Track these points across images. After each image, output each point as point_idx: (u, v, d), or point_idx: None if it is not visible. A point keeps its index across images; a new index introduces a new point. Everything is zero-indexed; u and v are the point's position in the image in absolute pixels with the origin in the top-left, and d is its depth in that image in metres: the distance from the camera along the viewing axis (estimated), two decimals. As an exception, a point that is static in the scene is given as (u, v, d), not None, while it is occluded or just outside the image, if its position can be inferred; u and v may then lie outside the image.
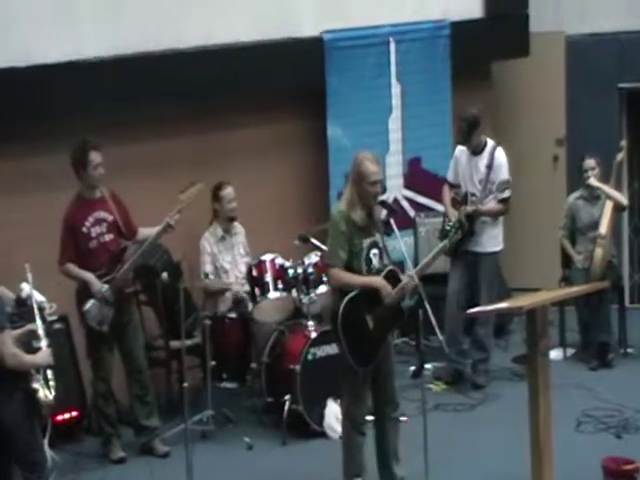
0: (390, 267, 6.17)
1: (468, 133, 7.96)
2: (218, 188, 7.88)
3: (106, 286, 6.91)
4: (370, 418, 6.28)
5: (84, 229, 6.97)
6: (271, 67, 8.21)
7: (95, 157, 6.91)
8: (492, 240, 8.02)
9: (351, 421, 6.18)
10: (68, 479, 6.73)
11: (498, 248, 8.09)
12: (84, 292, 6.94)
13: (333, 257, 6.08)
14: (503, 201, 7.98)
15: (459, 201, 8.05)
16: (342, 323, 6.00)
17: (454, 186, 8.15)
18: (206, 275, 7.71)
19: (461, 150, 8.12)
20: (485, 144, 8.00)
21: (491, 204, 7.97)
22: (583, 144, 9.28)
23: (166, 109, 7.86)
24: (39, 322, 5.82)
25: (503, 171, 7.95)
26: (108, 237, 7.02)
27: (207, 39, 8.00)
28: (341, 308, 6.00)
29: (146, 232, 7.10)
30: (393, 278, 6.13)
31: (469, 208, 7.92)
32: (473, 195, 7.97)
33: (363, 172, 6.04)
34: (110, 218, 7.03)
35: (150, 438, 7.16)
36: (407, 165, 9.07)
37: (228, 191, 7.86)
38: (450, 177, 8.19)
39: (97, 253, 6.99)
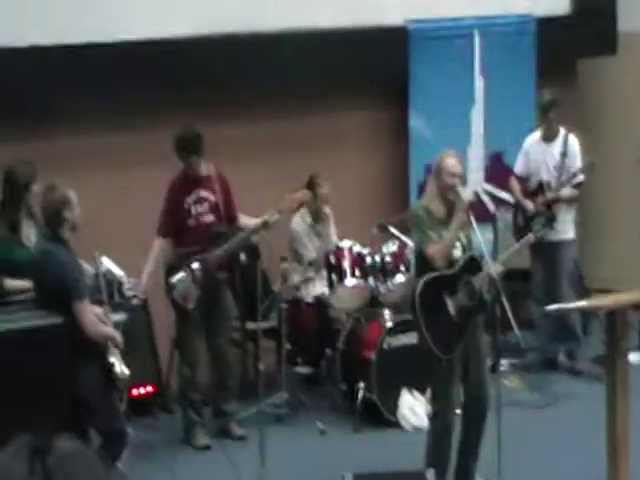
0: (471, 254, 6.14)
1: (545, 111, 8.03)
2: (312, 183, 7.69)
3: (197, 264, 6.88)
4: (458, 412, 6.19)
5: (185, 205, 6.93)
6: (354, 55, 8.18)
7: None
8: (568, 227, 8.07)
9: (441, 422, 6.05)
10: (141, 454, 6.73)
11: (573, 235, 8.13)
12: (176, 265, 6.90)
13: (424, 241, 6.05)
14: (578, 186, 8.05)
15: (532, 191, 8.09)
16: (420, 305, 5.95)
17: (521, 179, 8.19)
18: (310, 263, 7.66)
19: (531, 141, 8.18)
20: (558, 131, 8.06)
21: (567, 191, 8.04)
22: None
23: (247, 93, 7.86)
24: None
25: (578, 158, 8.04)
26: (208, 218, 6.95)
27: (288, 23, 7.98)
28: (419, 289, 5.96)
29: (245, 221, 7.02)
30: (474, 265, 6.10)
31: (549, 195, 7.95)
32: (548, 184, 8.01)
33: (442, 165, 6.14)
34: (212, 198, 6.96)
35: (227, 421, 7.15)
36: (489, 160, 8.98)
37: (324, 190, 7.66)
38: (519, 169, 8.23)
39: (194, 231, 6.93)
